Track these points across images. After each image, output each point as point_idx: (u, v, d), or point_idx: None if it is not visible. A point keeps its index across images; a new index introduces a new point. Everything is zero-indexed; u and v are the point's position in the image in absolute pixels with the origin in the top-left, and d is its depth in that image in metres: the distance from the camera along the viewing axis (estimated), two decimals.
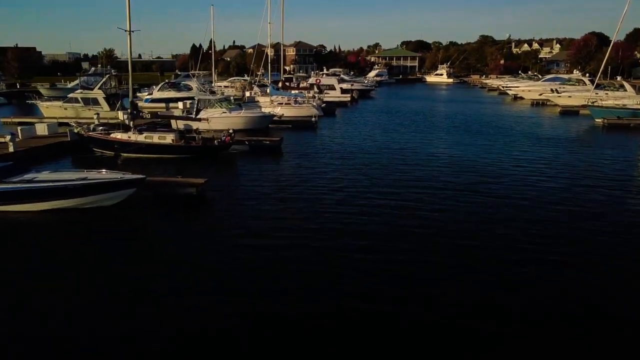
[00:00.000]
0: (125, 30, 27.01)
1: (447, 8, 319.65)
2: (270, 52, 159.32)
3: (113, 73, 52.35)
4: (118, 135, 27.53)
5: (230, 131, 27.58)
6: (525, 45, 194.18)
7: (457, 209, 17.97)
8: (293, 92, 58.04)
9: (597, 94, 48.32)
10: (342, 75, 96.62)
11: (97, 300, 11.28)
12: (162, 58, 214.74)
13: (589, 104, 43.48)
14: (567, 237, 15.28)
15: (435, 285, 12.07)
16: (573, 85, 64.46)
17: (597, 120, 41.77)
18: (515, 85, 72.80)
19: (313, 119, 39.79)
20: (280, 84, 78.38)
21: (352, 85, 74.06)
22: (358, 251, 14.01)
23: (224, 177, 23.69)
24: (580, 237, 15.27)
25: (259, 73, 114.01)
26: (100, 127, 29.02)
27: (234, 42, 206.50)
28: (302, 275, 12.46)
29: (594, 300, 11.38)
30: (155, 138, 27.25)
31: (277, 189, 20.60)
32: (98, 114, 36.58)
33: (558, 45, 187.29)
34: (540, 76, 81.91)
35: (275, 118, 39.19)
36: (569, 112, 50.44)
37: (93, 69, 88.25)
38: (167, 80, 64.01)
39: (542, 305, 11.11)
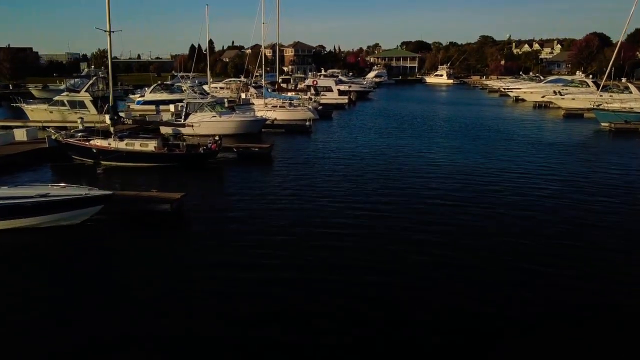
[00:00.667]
0: (105, 31, 25.43)
1: (447, 8, 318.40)
2: (268, 52, 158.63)
3: (100, 75, 50.56)
4: (97, 142, 25.91)
5: (217, 138, 25.93)
6: (526, 45, 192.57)
7: (458, 223, 16.43)
8: (288, 94, 56.48)
9: (601, 96, 46.77)
10: (340, 76, 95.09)
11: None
12: (161, 58, 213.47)
13: (594, 107, 41.87)
14: (579, 256, 13.70)
15: (439, 309, 10.47)
16: (576, 87, 62.80)
17: (603, 124, 40.15)
18: (517, 86, 71.23)
19: (307, 123, 38.15)
20: (275, 86, 77.21)
21: (349, 86, 72.48)
22: (351, 285, 12.34)
23: (205, 189, 22.03)
24: (593, 255, 13.70)
25: (256, 74, 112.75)
26: (80, 133, 27.36)
27: (232, 42, 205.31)
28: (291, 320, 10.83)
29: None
30: (137, 145, 25.62)
31: (263, 204, 18.93)
32: (82, 118, 34.92)
33: (559, 46, 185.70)
34: (542, 77, 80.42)
35: (267, 122, 37.56)
36: (572, 116, 48.82)
37: (86, 70, 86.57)
38: (159, 82, 62.31)
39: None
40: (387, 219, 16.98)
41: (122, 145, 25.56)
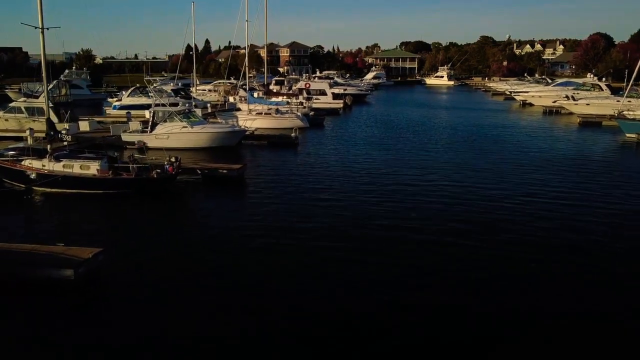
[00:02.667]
0: (36, 27, 20.85)
1: (446, 9, 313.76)
2: (263, 53, 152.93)
3: (63, 79, 45.88)
4: (29, 164, 21.29)
5: (173, 159, 21.20)
6: (527, 46, 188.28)
7: (464, 274, 12.04)
8: (279, 99, 51.93)
9: (618, 102, 42.26)
10: (335, 78, 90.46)
11: None
12: (157, 58, 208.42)
13: (617, 115, 37.27)
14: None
15: None
16: (588, 90, 58.33)
17: (628, 135, 35.50)
18: (524, 90, 66.55)
19: (293, 134, 33.48)
20: (264, 89, 72.66)
21: (345, 89, 67.85)
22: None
23: (143, 232, 17.09)
24: None
25: (249, 75, 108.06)
26: (11, 152, 22.69)
27: (229, 42, 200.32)
28: None
29: None
30: (77, 167, 20.97)
31: (221, 256, 14.32)
32: (31, 129, 30.29)
33: (561, 47, 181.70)
34: (549, 80, 75.91)
35: (248, 132, 32.89)
36: (590, 124, 44.09)
37: (67, 71, 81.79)
38: (137, 85, 57.67)
39: None
40: (378, 268, 12.40)
41: (58, 167, 20.92)
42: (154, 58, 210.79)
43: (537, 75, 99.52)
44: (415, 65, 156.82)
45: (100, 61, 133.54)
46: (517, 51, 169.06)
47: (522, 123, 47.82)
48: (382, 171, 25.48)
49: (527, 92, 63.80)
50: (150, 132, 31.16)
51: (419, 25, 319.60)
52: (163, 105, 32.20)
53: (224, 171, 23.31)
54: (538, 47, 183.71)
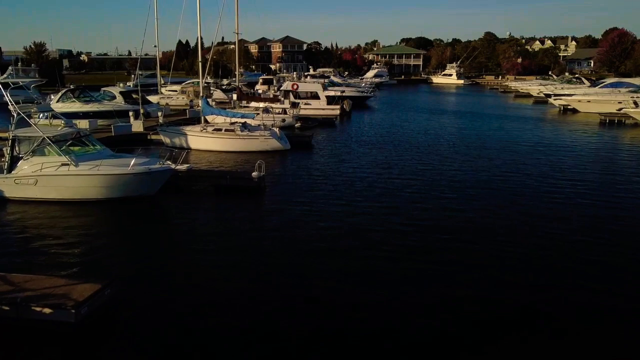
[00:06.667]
0: None
1: (446, 5, 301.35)
2: (254, 48, 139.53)
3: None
4: None
5: None
6: (537, 42, 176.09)
7: None
8: (257, 104, 39.12)
9: None
10: (332, 77, 77.36)
11: None
12: (149, 55, 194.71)
13: None
14: None
15: None
16: None
17: None
18: (565, 92, 53.51)
19: (254, 173, 20.26)
20: (247, 90, 59.69)
21: (342, 92, 54.82)
22: None
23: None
24: None
25: (236, 72, 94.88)
26: None
27: (222, 38, 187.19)
28: None
29: None
30: None
31: None
32: None
33: (574, 43, 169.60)
34: (585, 80, 63.03)
35: (181, 172, 19.75)
36: None
37: (10, 68, 68.58)
38: (71, 86, 44.79)
39: None
40: None
41: None
42: (145, 55, 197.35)
43: (567, 75, 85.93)
44: (420, 63, 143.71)
45: (57, 56, 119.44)
46: (530, 48, 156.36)
47: (581, 141, 34.85)
48: (407, 246, 12.77)
49: (572, 95, 50.80)
50: (8, 172, 18.29)
51: (418, 22, 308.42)
52: (31, 124, 19.08)
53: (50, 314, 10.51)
54: (548, 43, 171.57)
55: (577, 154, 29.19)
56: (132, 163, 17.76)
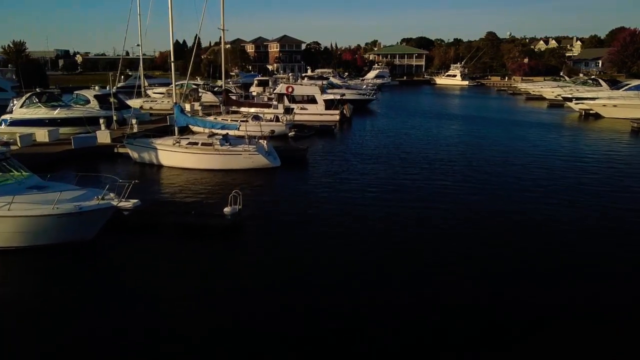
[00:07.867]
0: None
1: (446, 5, 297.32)
2: (250, 48, 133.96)
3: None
4: None
5: None
6: (541, 42, 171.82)
7: None
8: (246, 109, 34.61)
9: None
10: (331, 78, 72.69)
11: None
12: (146, 55, 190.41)
13: None
14: None
15: None
16: None
17: None
18: (588, 96, 48.80)
19: (226, 209, 15.52)
20: (239, 93, 55.02)
21: (342, 95, 50.16)
22: None
23: None
24: None
25: (232, 73, 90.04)
26: None
27: (220, 38, 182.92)
28: None
29: None
30: None
31: None
32: None
33: (579, 43, 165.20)
34: (601, 82, 58.38)
35: (125, 211, 14.95)
36: None
37: None
38: (37, 89, 40.11)
39: None
40: None
41: None
42: (143, 55, 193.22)
43: (582, 76, 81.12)
44: (423, 63, 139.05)
45: (53, 56, 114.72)
46: (536, 48, 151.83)
47: (615, 154, 30.22)
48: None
49: (595, 99, 46.13)
50: None
51: (419, 22, 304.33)
52: None
53: None
54: (553, 43, 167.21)
55: (623, 170, 24.58)
56: (56, 199, 13.07)
